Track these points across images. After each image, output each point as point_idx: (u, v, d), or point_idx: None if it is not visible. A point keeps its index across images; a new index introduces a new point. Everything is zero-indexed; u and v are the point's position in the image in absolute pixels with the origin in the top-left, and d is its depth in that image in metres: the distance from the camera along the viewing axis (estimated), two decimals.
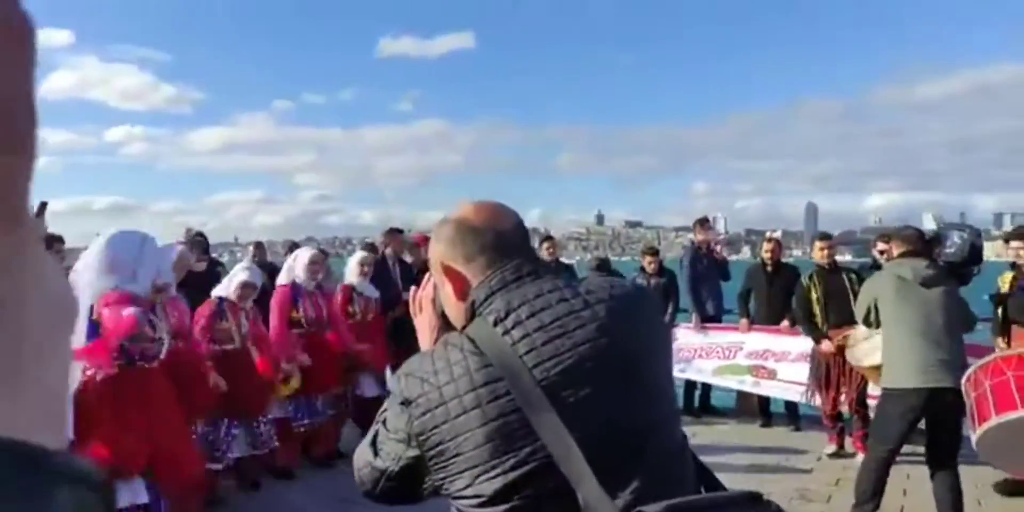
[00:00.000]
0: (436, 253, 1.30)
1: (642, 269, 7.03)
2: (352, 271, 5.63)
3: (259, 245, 8.05)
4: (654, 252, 7.21)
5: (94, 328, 2.94)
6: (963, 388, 3.49)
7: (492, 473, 1.10)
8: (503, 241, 1.26)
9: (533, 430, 1.09)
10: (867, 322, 3.86)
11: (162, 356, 3.16)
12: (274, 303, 4.89)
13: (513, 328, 1.16)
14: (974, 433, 3.42)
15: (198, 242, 6.40)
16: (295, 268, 5.09)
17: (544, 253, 7.38)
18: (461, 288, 1.26)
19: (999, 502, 4.38)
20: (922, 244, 3.87)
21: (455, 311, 1.29)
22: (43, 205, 3.80)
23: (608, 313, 1.17)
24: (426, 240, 7.03)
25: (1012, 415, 3.26)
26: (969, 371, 3.52)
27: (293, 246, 7.71)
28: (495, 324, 1.17)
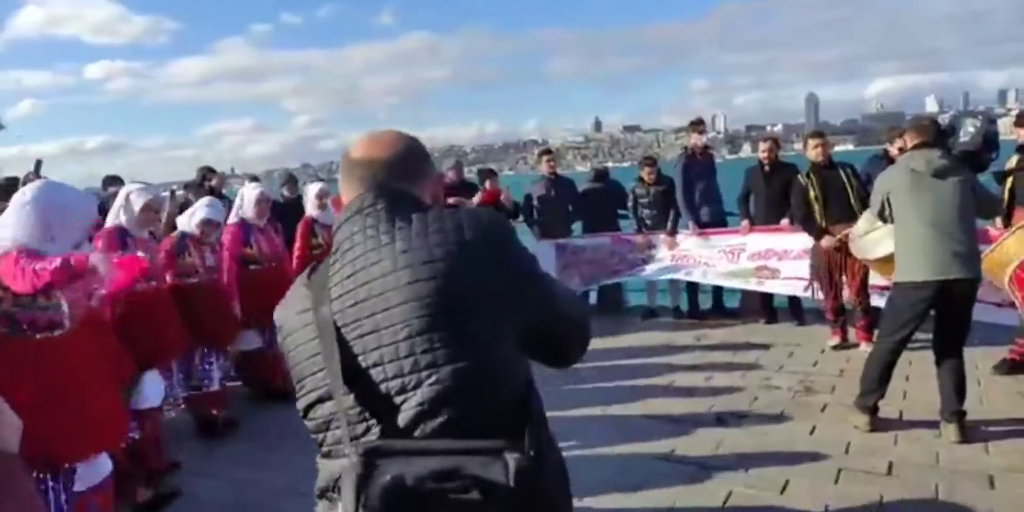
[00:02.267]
0: None
1: (640, 179, 6.98)
2: (311, 203, 5.66)
3: (253, 178, 8.02)
4: (651, 162, 7.15)
5: None
6: (1008, 288, 3.87)
7: (300, 392, 1.24)
8: (366, 173, 1.28)
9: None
10: (882, 216, 3.85)
11: (67, 324, 2.85)
12: (224, 242, 4.89)
13: (335, 262, 1.23)
14: None
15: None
16: (243, 205, 5.09)
17: (544, 167, 7.31)
18: None
19: (999, 381, 4.53)
20: (935, 134, 3.79)
21: None
22: (39, 163, 3.78)
23: (410, 249, 1.16)
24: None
25: None
26: (1010, 271, 3.81)
27: (290, 177, 7.67)
28: (332, 255, 1.25)
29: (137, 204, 3.83)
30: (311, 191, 5.75)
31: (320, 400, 1.20)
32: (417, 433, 1.11)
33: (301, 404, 1.24)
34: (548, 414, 1.28)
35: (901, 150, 5.39)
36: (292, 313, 1.26)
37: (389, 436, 1.12)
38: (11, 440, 1.10)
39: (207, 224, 4.47)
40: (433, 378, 1.11)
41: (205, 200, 4.67)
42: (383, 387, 1.13)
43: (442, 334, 1.12)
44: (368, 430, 1.14)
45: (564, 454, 1.34)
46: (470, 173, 7.80)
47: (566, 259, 7.16)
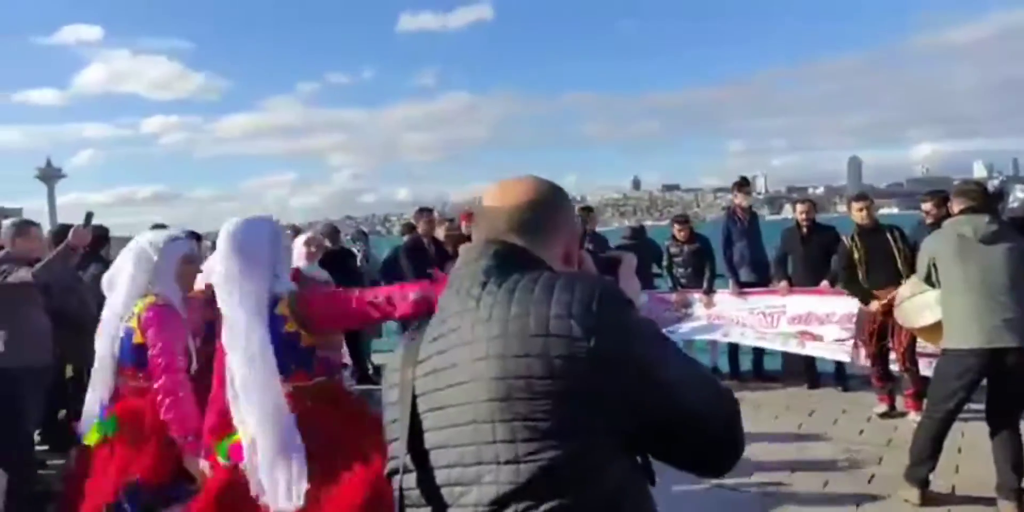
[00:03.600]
0: None
1: (673, 237, 6.96)
2: (298, 253, 4.68)
3: (295, 229, 8.15)
4: (684, 220, 7.14)
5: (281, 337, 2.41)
6: None
7: (388, 456, 1.14)
8: (488, 223, 1.16)
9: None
10: (929, 281, 3.76)
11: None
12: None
13: (434, 317, 1.12)
14: None
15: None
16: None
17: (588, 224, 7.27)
18: None
19: None
20: (984, 200, 3.74)
21: None
22: (89, 216, 3.73)
23: (489, 319, 1.01)
24: (469, 216, 6.94)
25: None
26: None
27: (333, 229, 7.80)
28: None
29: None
30: (298, 240, 4.85)
31: (396, 471, 1.09)
32: None
33: (387, 469, 1.13)
34: None
35: (927, 212, 5.26)
36: (390, 368, 1.16)
37: None
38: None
39: None
40: (491, 477, 0.96)
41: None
42: (442, 474, 1.02)
43: (507, 426, 0.96)
44: None
45: None
46: None
47: None
